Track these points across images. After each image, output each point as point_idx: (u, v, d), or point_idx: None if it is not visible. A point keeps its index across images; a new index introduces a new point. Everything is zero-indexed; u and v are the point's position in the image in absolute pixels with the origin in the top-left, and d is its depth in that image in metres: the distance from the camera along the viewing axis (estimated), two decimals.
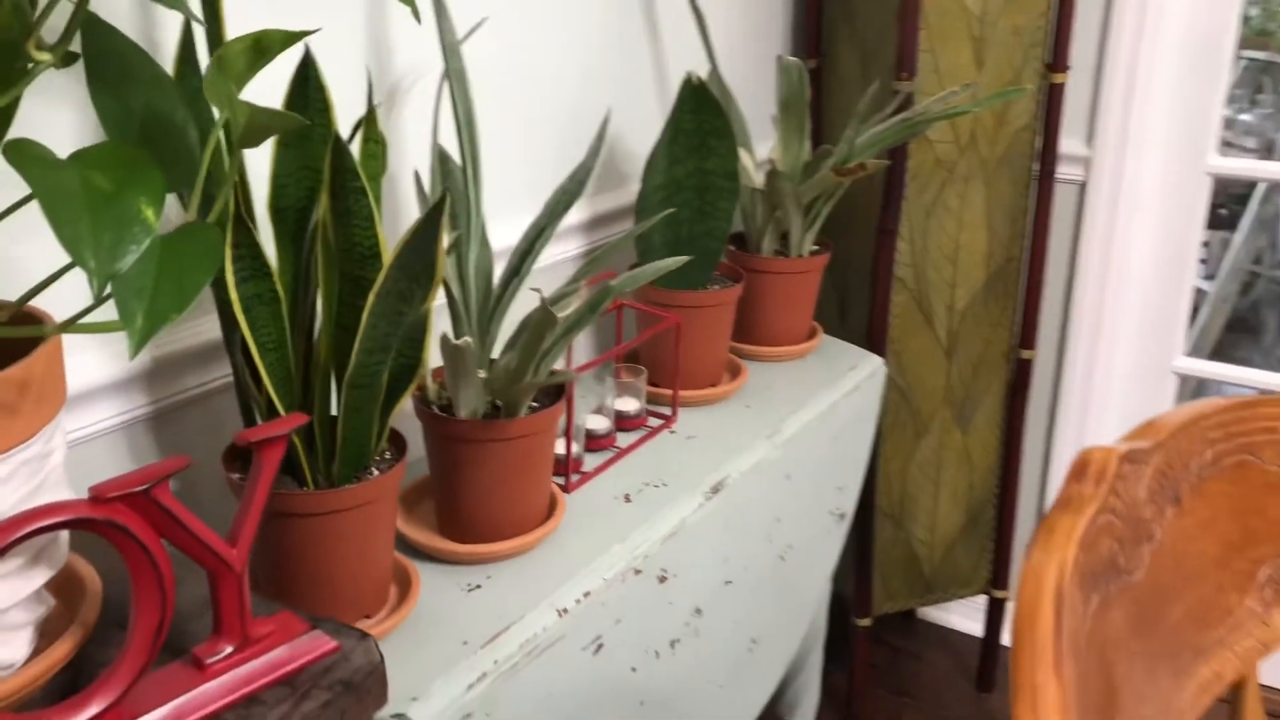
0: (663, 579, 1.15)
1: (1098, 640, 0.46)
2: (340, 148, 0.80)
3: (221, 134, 0.78)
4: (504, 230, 1.29)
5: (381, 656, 0.73)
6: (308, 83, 0.84)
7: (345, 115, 1.00)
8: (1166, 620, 0.54)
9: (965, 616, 2.20)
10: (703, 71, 1.44)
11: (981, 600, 2.10)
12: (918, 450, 1.84)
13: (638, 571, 1.11)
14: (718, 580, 1.27)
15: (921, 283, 1.75)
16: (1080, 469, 0.51)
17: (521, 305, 1.10)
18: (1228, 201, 3.36)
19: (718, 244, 1.39)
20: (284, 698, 0.69)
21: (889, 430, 1.81)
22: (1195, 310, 3.20)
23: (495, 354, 1.09)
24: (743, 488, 1.28)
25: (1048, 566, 0.44)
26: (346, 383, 0.87)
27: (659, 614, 1.17)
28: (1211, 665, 0.58)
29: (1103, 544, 0.48)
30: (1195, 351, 2.95)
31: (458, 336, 1.04)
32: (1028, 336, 1.86)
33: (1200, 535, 0.57)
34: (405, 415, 1.07)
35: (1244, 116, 3.53)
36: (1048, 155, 1.77)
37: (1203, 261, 3.48)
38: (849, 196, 1.69)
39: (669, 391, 1.37)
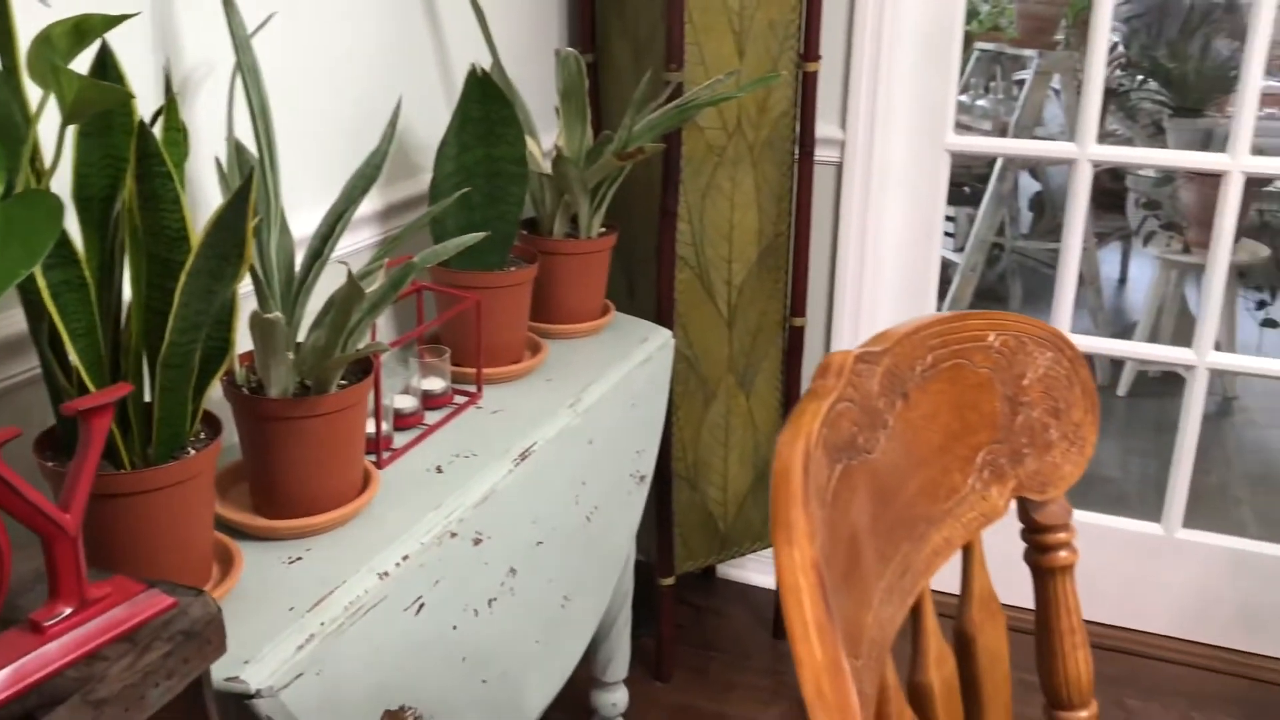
0: (478, 541, 1.22)
1: (842, 501, 0.57)
2: (145, 133, 0.84)
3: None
4: (304, 220, 1.32)
5: (219, 608, 0.78)
6: (106, 72, 0.87)
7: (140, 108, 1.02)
8: (903, 494, 0.66)
9: (760, 571, 2.35)
10: (487, 64, 1.51)
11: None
12: (707, 415, 1.98)
13: (453, 535, 1.18)
14: (530, 541, 1.35)
15: (702, 260, 1.88)
16: (824, 368, 0.61)
17: (324, 290, 1.15)
18: (971, 180, 3.69)
19: (511, 227, 1.47)
20: (125, 653, 0.72)
21: (680, 398, 1.93)
22: (948, 280, 3.50)
23: (302, 337, 1.14)
24: (548, 454, 1.36)
25: (797, 437, 0.54)
26: (161, 362, 0.90)
27: (476, 574, 1.23)
28: (942, 533, 0.71)
29: (843, 424, 0.59)
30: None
31: None
32: (798, 306, 2.02)
33: (926, 426, 0.69)
34: (217, 404, 1.10)
35: (980, 102, 3.88)
36: (806, 138, 1.93)
37: (951, 235, 3.81)
38: (631, 181, 1.80)
39: (473, 370, 1.44)
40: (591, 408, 1.47)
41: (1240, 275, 3.39)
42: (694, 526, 2.03)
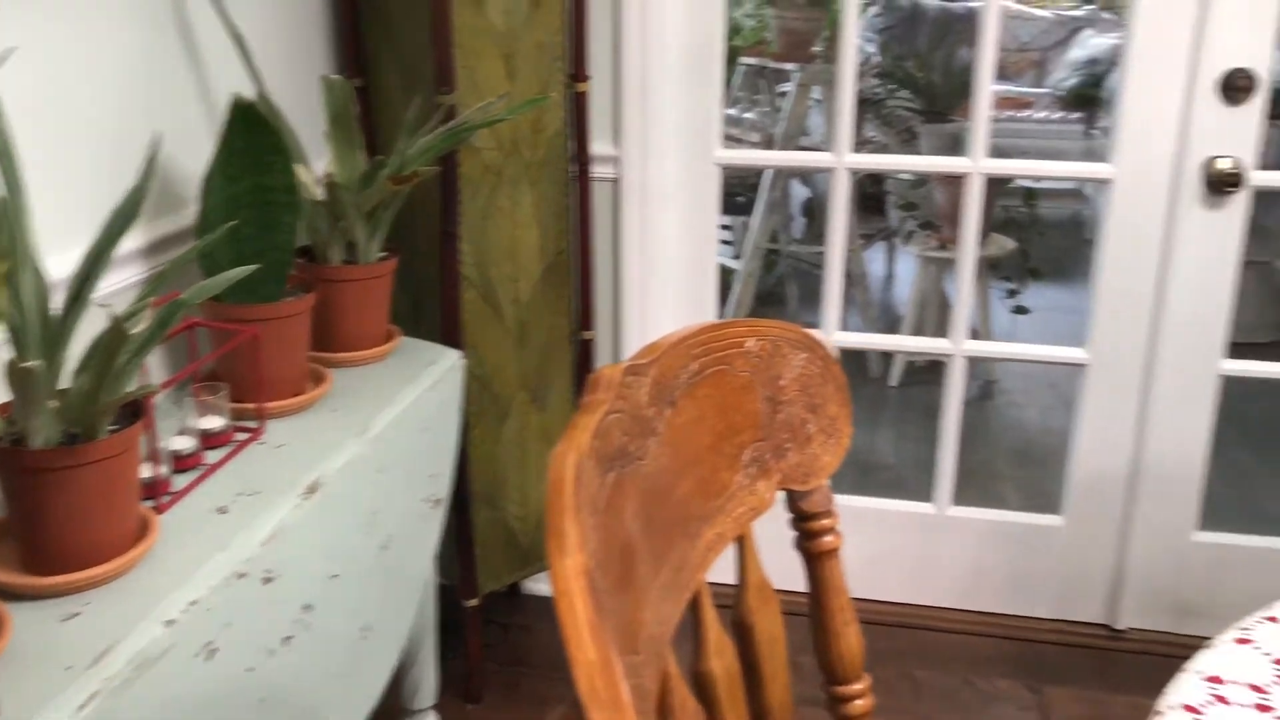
0: (268, 580, 1.20)
1: (616, 507, 0.60)
2: None
3: None
4: (60, 263, 1.26)
5: None
6: None
7: None
8: (675, 495, 0.70)
9: None
10: (251, 93, 1.48)
11: None
12: (502, 433, 1.99)
13: (242, 575, 1.15)
14: (324, 575, 1.33)
15: (486, 279, 1.89)
16: (594, 383, 0.65)
17: (88, 333, 1.10)
18: (745, 190, 3.85)
19: (285, 256, 1.44)
20: None
21: (474, 418, 1.94)
22: (729, 286, 3.64)
23: (67, 383, 1.09)
24: (338, 485, 1.35)
25: (569, 450, 0.57)
26: None
27: (269, 614, 1.21)
28: (715, 529, 0.75)
29: (614, 435, 0.62)
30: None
31: None
32: (586, 319, 2.06)
33: (694, 429, 0.74)
34: None
35: (748, 115, 4.05)
36: (581, 156, 1.97)
37: (730, 243, 3.95)
38: (412, 204, 1.79)
39: (253, 405, 1.41)
40: (381, 435, 1.46)
41: (992, 267, 3.66)
42: (495, 545, 2.04)
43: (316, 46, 1.89)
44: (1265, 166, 1.98)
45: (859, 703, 0.91)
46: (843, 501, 2.28)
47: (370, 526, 1.44)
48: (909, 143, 4.05)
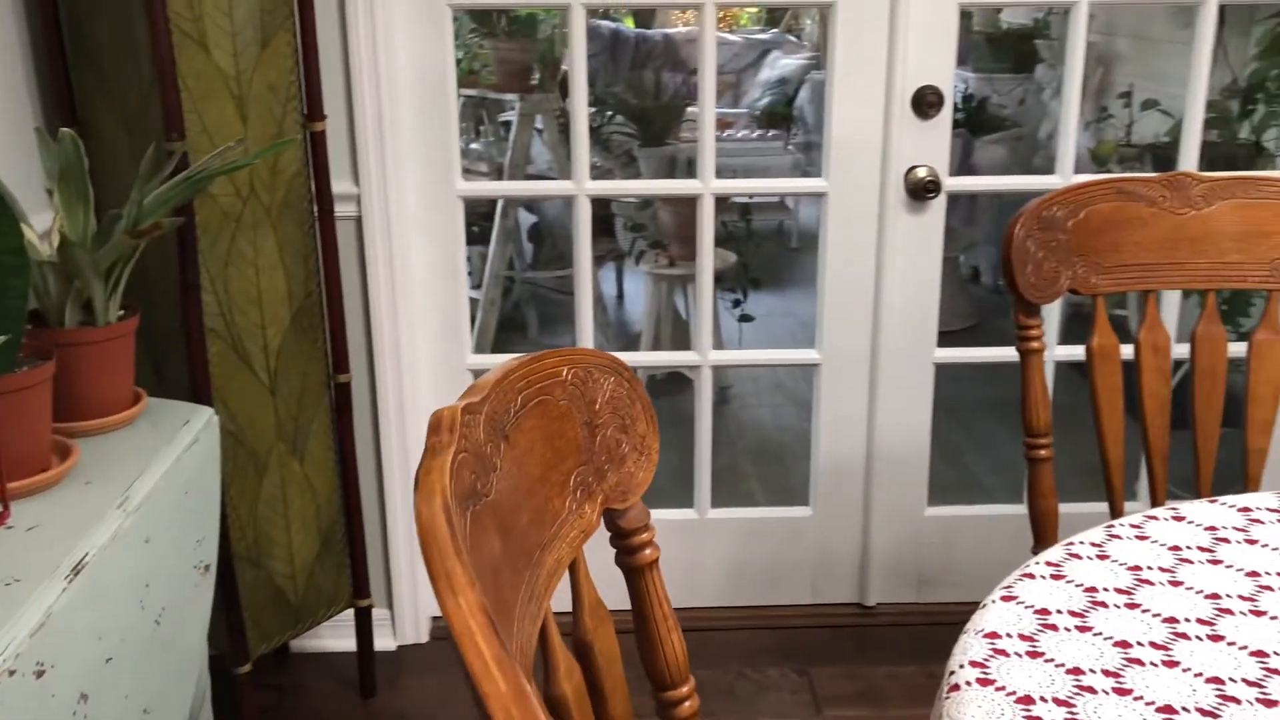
0: (40, 673, 1.11)
1: (477, 544, 0.61)
2: None
3: None
4: None
5: None
6: None
7: None
8: (519, 527, 0.72)
9: (336, 636, 2.31)
10: None
11: (348, 615, 2.22)
12: (262, 489, 1.91)
13: (12, 672, 1.06)
14: (98, 660, 1.24)
15: (233, 329, 1.82)
16: (435, 426, 0.65)
17: None
18: (477, 220, 3.86)
19: (16, 324, 1.33)
20: None
21: (231, 476, 1.85)
22: (472, 317, 3.64)
23: None
24: (105, 562, 1.26)
25: (433, 494, 0.58)
26: None
27: (43, 709, 1.12)
28: (553, 555, 0.77)
29: (464, 474, 0.63)
30: (478, 350, 3.35)
31: None
32: (340, 362, 2.01)
33: (526, 460, 0.76)
34: None
35: (474, 145, 4.07)
36: (322, 196, 1.93)
37: (469, 274, 3.96)
38: (144, 258, 1.69)
39: None
40: (142, 504, 1.38)
41: (716, 280, 3.85)
42: (264, 606, 1.96)
43: (22, 96, 1.75)
44: (954, 173, 2.21)
45: (686, 704, 0.96)
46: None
47: (142, 602, 1.35)
48: (628, 166, 4.21)
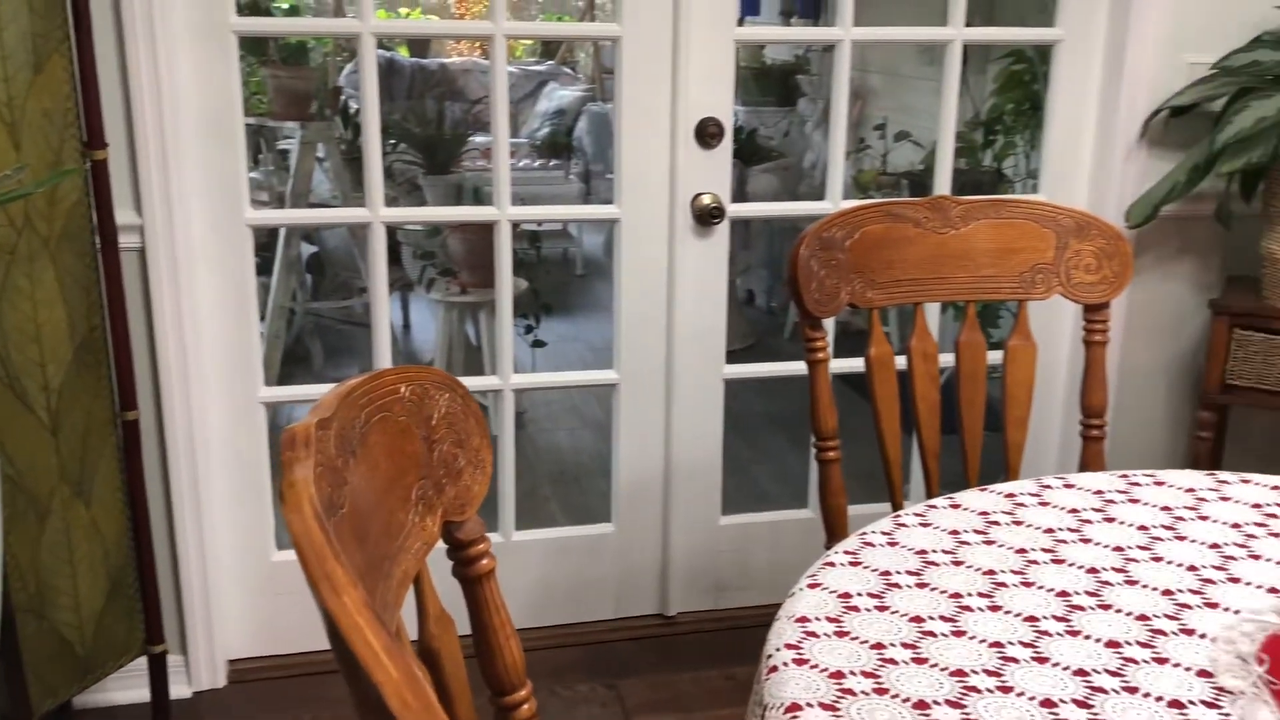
0: None
1: (342, 554, 0.63)
2: None
3: None
4: None
5: None
6: None
7: None
8: (370, 539, 0.74)
9: (124, 688, 2.19)
10: None
11: (140, 665, 2.12)
12: (44, 535, 1.81)
13: None
14: None
15: (10, 367, 1.72)
16: (290, 441, 0.67)
17: None
18: (257, 251, 3.75)
19: None
20: None
21: (9, 522, 1.74)
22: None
23: None
24: None
25: (301, 502, 0.59)
26: None
27: None
28: (401, 566, 0.80)
29: (323, 486, 0.65)
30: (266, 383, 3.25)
31: None
32: (127, 399, 1.93)
33: (372, 476, 0.78)
34: None
35: (253, 174, 3.95)
36: (105, 227, 1.86)
37: None
38: None
39: None
40: None
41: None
42: (48, 659, 1.85)
43: None
44: (733, 200, 2.34)
45: (525, 708, 0.99)
46: None
47: None
48: (413, 194, 4.19)
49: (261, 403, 2.24)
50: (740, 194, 4.39)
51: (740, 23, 2.36)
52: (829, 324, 2.39)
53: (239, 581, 2.29)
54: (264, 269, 3.74)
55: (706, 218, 2.29)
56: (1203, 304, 2.44)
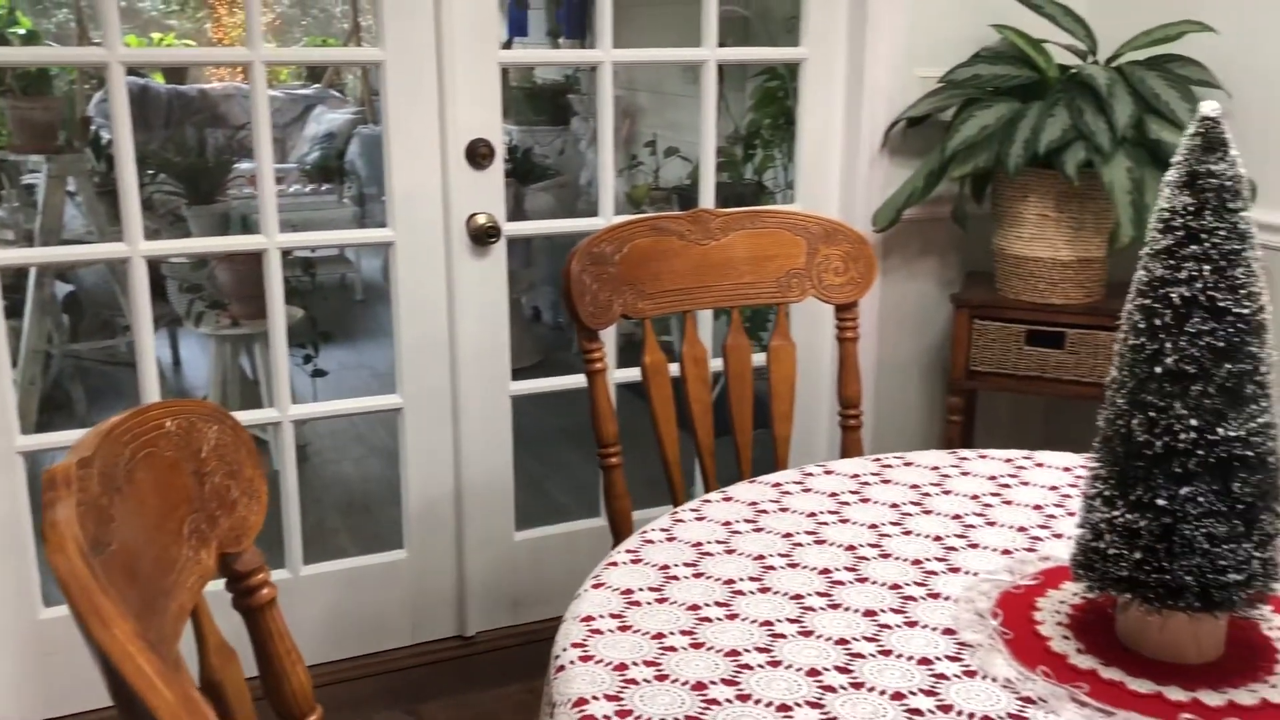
0: None
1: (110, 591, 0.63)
2: None
3: None
4: None
5: None
6: None
7: None
8: (143, 575, 0.73)
9: None
10: None
11: None
12: None
13: None
14: None
15: None
16: (51, 481, 0.66)
17: None
18: (7, 292, 3.51)
19: None
20: None
21: None
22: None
23: None
24: None
25: (64, 541, 0.59)
26: None
27: None
28: (177, 600, 0.79)
29: (88, 525, 0.64)
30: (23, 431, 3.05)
31: None
32: None
33: (140, 512, 0.77)
34: None
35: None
36: None
37: None
38: None
39: None
40: None
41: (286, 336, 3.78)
42: None
43: None
44: (510, 219, 2.38)
45: None
46: None
47: None
48: (176, 224, 4.02)
49: (19, 453, 2.11)
50: (518, 213, 4.44)
51: (509, 44, 2.42)
52: (611, 335, 2.47)
53: (4, 643, 2.15)
54: (15, 311, 3.51)
55: (483, 237, 2.32)
56: (946, 299, 2.65)
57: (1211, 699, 0.97)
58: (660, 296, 1.71)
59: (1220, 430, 0.94)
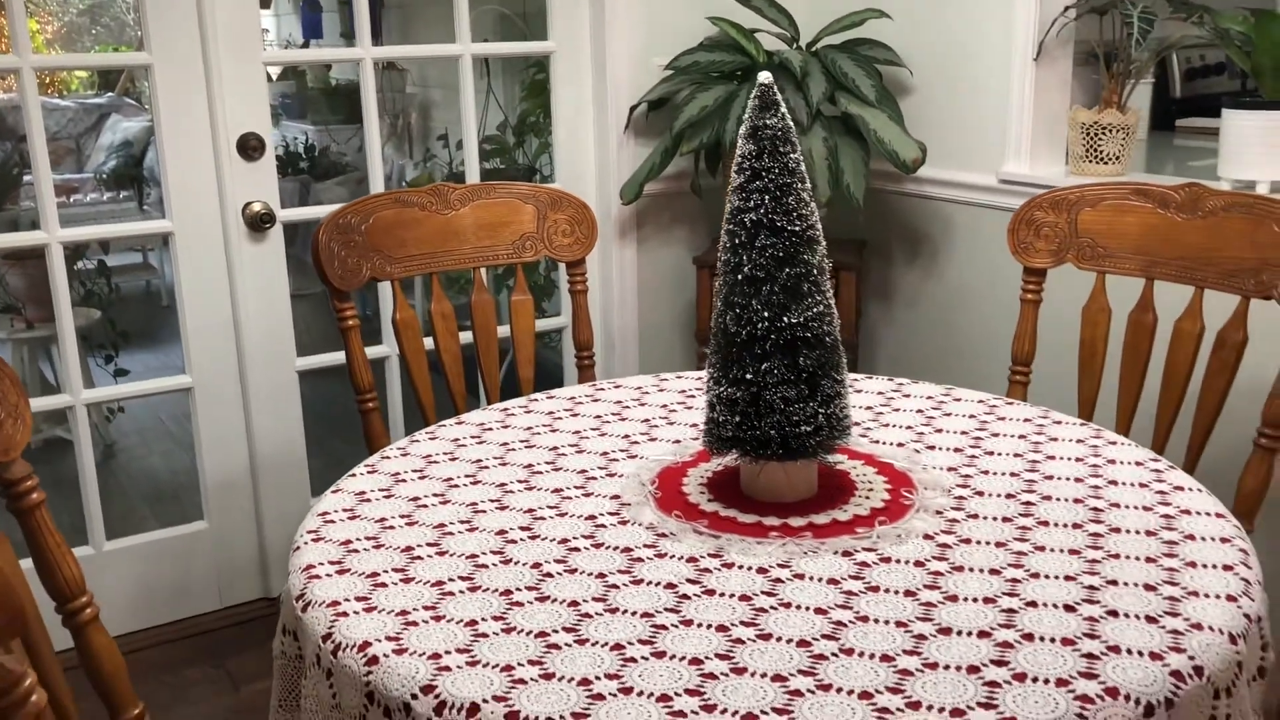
0: None
1: None
2: None
3: None
4: None
5: None
6: None
7: None
8: None
9: None
10: None
11: None
12: None
13: None
14: None
15: None
16: None
17: None
18: None
19: None
20: None
21: None
22: None
23: None
24: None
25: None
26: None
27: None
28: None
29: None
30: None
31: None
32: None
33: None
34: None
35: None
36: None
37: None
38: None
39: None
40: None
41: (84, 339, 3.85)
42: None
43: None
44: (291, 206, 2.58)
45: (89, 611, 1.21)
46: None
47: None
48: None
49: None
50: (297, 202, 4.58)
51: (306, 44, 2.58)
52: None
53: None
54: None
55: (259, 223, 2.51)
56: (692, 263, 2.98)
57: (796, 521, 1.28)
58: (407, 261, 1.96)
59: (786, 319, 1.25)
